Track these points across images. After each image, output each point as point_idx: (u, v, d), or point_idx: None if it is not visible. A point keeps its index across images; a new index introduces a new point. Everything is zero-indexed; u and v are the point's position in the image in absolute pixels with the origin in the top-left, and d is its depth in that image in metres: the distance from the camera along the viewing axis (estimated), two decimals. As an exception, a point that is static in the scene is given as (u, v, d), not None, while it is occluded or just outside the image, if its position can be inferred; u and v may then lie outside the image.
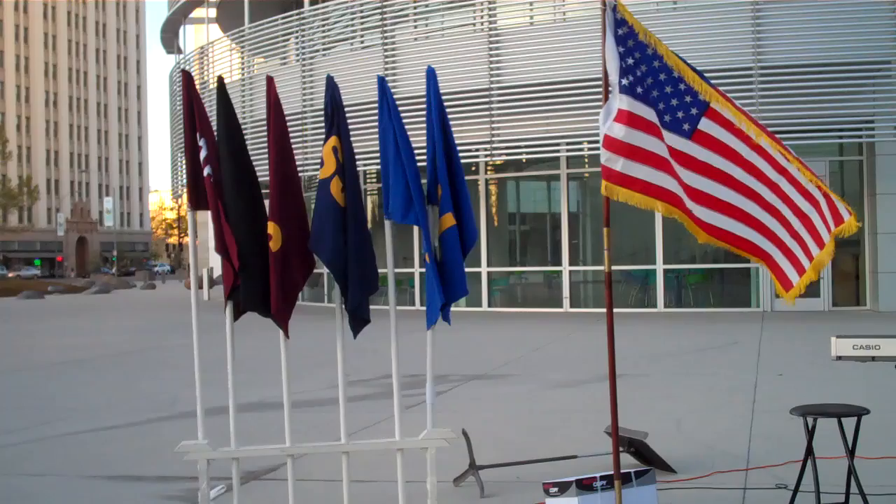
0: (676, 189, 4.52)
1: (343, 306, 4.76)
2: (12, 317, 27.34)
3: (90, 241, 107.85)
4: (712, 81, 4.71)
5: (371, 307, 4.77)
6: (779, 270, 4.75)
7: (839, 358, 5.08)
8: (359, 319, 4.76)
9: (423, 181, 4.69)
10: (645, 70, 4.54)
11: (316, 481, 6.19)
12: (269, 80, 4.78)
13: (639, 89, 4.48)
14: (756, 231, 4.73)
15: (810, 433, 4.99)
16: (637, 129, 4.44)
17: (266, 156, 4.81)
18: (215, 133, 4.70)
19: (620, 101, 4.47)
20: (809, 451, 5.00)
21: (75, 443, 7.94)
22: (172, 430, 8.19)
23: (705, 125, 4.63)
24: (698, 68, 4.70)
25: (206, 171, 4.60)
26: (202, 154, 4.61)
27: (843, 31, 18.61)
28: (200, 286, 32.94)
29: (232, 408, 4.78)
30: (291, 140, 4.95)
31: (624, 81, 4.48)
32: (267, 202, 4.75)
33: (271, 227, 4.60)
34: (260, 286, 4.64)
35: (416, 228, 4.78)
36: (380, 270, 4.86)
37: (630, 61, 4.52)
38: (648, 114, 4.48)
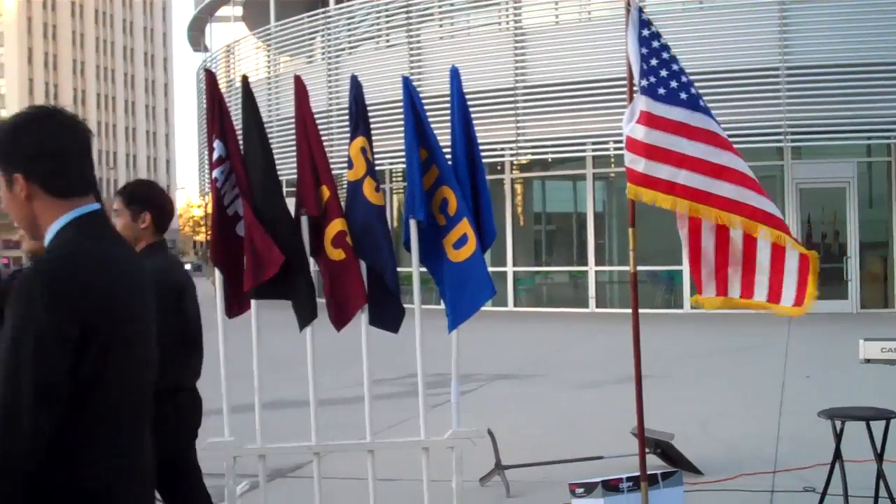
0: (701, 185, 4.46)
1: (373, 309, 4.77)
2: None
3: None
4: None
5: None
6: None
7: (867, 361, 5.04)
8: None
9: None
10: (676, 70, 4.50)
11: (341, 479, 6.21)
12: (298, 80, 4.79)
13: (661, 90, 4.44)
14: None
15: (838, 436, 4.95)
16: (657, 130, 4.40)
17: (293, 153, 4.81)
18: (238, 133, 4.68)
19: (641, 103, 4.45)
20: (837, 454, 4.96)
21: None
22: (198, 426, 8.22)
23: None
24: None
25: (215, 173, 4.57)
26: (215, 156, 4.58)
27: (870, 31, 18.40)
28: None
29: (258, 405, 4.79)
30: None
31: (644, 83, 4.46)
32: (290, 200, 4.74)
33: (343, 224, 4.59)
34: (304, 283, 4.63)
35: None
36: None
37: (654, 62, 4.49)
38: (671, 113, 4.42)
